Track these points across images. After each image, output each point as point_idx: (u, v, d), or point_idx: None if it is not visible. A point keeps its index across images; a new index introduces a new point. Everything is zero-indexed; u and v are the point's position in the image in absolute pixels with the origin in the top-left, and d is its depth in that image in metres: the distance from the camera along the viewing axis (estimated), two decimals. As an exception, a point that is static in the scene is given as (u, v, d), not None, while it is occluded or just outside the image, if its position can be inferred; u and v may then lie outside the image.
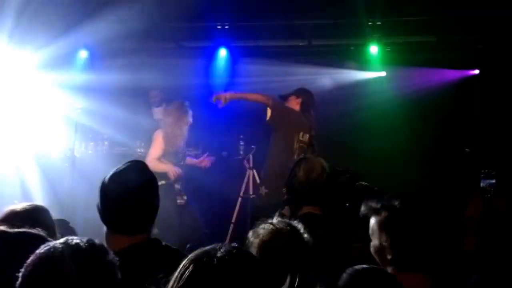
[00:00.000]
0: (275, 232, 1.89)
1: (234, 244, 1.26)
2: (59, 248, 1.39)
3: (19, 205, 2.27)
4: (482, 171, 3.87)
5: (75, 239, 1.42)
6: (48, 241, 1.52)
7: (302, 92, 5.00)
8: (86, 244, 1.42)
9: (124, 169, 2.13)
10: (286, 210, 3.21)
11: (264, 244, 1.86)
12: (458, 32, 6.16)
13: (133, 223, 2.10)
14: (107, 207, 2.09)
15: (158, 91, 6.46)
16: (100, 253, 1.44)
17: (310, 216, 2.81)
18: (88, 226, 2.61)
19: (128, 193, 2.08)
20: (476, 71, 6.64)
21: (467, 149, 5.75)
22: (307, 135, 4.93)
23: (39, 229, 1.71)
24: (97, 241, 1.47)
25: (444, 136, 6.38)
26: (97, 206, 2.12)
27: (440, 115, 6.44)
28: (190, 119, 5.02)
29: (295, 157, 4.57)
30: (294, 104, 4.93)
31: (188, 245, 2.30)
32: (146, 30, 5.94)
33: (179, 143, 5.02)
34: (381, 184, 5.55)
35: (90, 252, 1.41)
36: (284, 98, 4.99)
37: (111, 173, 2.13)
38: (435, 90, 6.46)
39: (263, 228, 1.90)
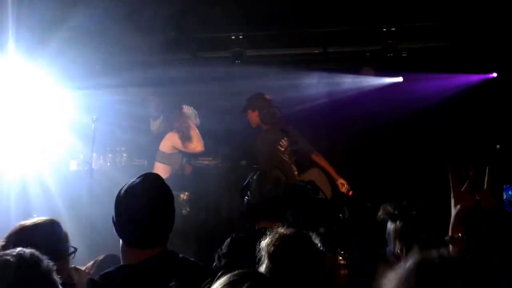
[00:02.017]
0: (286, 237, 1.87)
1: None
2: None
3: (30, 220, 2.26)
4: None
5: (5, 253, 1.41)
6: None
7: (255, 104, 5.00)
8: (15, 258, 1.40)
9: (139, 182, 2.12)
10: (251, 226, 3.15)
11: (275, 248, 1.84)
12: (473, 36, 6.08)
13: (150, 237, 2.09)
14: (122, 221, 2.09)
15: (159, 100, 6.48)
16: (31, 264, 1.42)
17: (264, 231, 2.78)
18: (107, 239, 2.62)
19: (146, 206, 2.07)
20: (494, 74, 6.56)
21: (497, 146, 5.63)
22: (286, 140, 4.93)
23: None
24: (27, 251, 1.44)
25: (463, 141, 6.30)
26: (112, 219, 2.12)
27: (458, 120, 6.37)
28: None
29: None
30: (254, 117, 4.94)
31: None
32: (162, 42, 5.99)
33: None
34: (398, 189, 5.60)
35: (19, 265, 1.39)
36: (243, 113, 5.05)
37: (126, 186, 2.12)
38: (452, 95, 6.39)
39: (274, 234, 1.89)
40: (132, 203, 2.08)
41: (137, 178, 2.15)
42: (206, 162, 6.24)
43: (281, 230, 1.92)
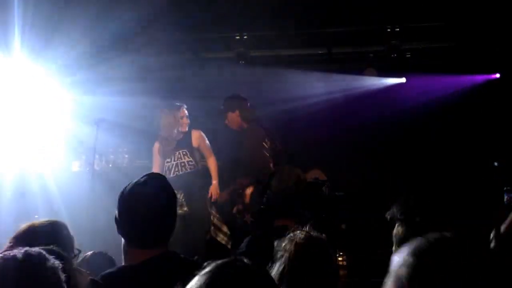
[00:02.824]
0: (310, 238, 1.85)
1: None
2: None
3: (37, 221, 2.28)
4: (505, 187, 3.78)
5: (12, 252, 1.42)
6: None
7: (234, 105, 4.98)
8: (23, 256, 1.41)
9: (143, 181, 2.11)
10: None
11: (299, 248, 1.81)
12: (477, 37, 6.06)
13: (152, 237, 2.08)
14: (126, 220, 2.07)
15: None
16: (37, 262, 1.43)
17: (283, 229, 2.77)
18: (108, 240, 2.61)
19: (150, 206, 2.07)
20: (497, 75, 6.53)
21: (496, 163, 5.63)
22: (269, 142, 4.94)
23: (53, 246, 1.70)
24: (35, 249, 1.46)
25: (466, 143, 6.28)
26: (115, 219, 2.11)
27: (461, 121, 6.35)
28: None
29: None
30: (235, 118, 4.93)
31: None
32: (165, 42, 6.00)
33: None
34: (402, 190, 5.59)
35: (26, 263, 1.40)
36: (222, 116, 5.02)
37: (130, 185, 2.11)
38: (456, 96, 6.37)
39: (296, 234, 1.87)
40: (136, 202, 2.06)
41: (141, 177, 2.14)
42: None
43: (301, 233, 1.89)
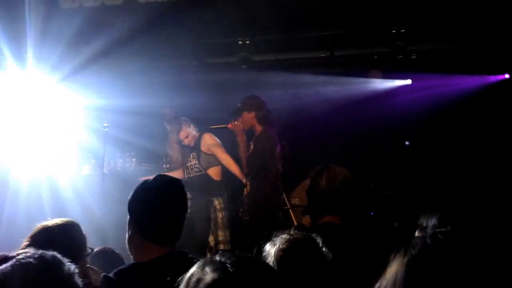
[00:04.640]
0: (293, 241, 1.86)
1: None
2: (7, 271, 1.35)
3: (51, 221, 2.32)
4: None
5: (27, 256, 1.38)
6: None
7: (252, 105, 4.94)
8: (37, 260, 1.38)
9: (164, 179, 2.19)
10: (307, 220, 3.18)
11: (281, 252, 1.83)
12: (484, 37, 6.03)
13: (170, 233, 2.13)
14: (147, 213, 2.10)
15: (170, 109, 6.52)
16: (53, 267, 1.40)
17: (330, 226, 2.79)
18: (117, 239, 2.62)
19: (171, 202, 2.14)
20: (507, 76, 6.51)
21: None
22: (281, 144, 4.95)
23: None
24: (49, 253, 1.42)
25: (475, 144, 6.24)
26: (131, 212, 2.12)
27: (469, 122, 6.31)
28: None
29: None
30: (250, 119, 4.91)
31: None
32: (167, 48, 6.04)
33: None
34: (410, 193, 5.55)
35: (41, 268, 1.37)
36: (237, 115, 4.96)
37: (150, 181, 2.17)
38: (463, 97, 6.34)
39: (281, 237, 1.88)
40: (159, 198, 2.11)
41: (158, 175, 2.22)
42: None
43: (284, 237, 1.89)
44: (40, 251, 1.42)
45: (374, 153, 6.46)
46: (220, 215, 5.24)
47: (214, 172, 5.35)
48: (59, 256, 1.45)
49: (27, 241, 2.18)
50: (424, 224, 2.05)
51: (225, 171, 5.33)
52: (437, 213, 2.10)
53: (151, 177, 2.22)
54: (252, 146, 4.95)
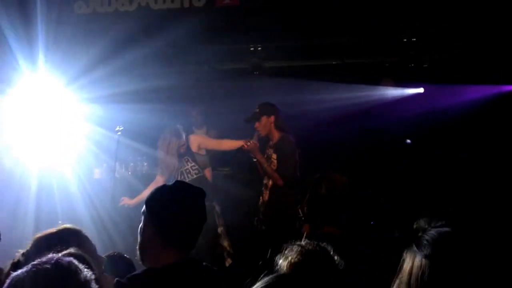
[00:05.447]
0: (305, 253, 1.82)
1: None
2: (24, 277, 1.34)
3: (61, 226, 2.24)
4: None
5: (44, 262, 1.37)
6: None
7: (270, 110, 4.92)
8: (53, 267, 1.36)
9: (184, 185, 2.22)
10: (306, 228, 3.15)
11: (294, 266, 1.78)
12: (497, 46, 6.00)
13: (191, 238, 2.14)
14: (171, 218, 2.10)
15: (198, 111, 6.55)
16: (70, 274, 1.38)
17: (330, 236, 2.72)
18: (128, 244, 2.62)
19: (194, 208, 2.15)
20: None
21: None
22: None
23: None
24: (65, 259, 1.40)
25: (484, 153, 6.20)
26: (152, 217, 2.11)
27: (479, 131, 6.28)
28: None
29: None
30: (269, 124, 4.88)
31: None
32: (178, 54, 6.06)
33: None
34: (418, 202, 5.52)
35: (57, 275, 1.35)
36: (255, 119, 4.92)
37: (171, 185, 2.19)
38: (473, 106, 6.31)
39: (292, 250, 1.83)
40: (184, 202, 2.12)
41: (176, 182, 2.24)
42: (224, 172, 6.26)
43: (296, 249, 1.86)
44: (56, 257, 1.40)
45: (380, 162, 6.43)
46: (221, 221, 5.19)
47: (208, 174, 5.36)
48: (75, 262, 1.42)
49: (31, 247, 2.06)
50: (425, 225, 2.02)
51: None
52: (437, 214, 2.07)
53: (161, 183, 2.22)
54: (271, 152, 4.90)
